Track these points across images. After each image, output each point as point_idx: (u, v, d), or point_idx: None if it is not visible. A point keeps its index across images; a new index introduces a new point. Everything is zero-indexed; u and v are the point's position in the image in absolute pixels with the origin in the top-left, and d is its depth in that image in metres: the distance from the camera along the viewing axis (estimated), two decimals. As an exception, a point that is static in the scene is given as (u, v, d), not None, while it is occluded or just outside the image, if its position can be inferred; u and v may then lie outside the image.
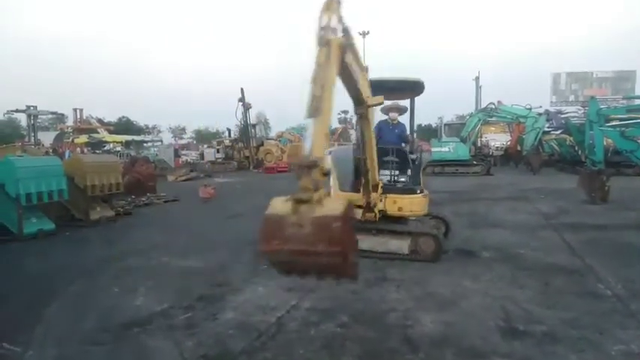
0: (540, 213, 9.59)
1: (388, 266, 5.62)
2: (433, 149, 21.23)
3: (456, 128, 23.64)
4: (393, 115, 6.94)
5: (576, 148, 20.33)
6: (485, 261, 5.96)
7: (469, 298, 4.53)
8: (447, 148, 20.74)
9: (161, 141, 58.97)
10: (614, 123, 12.73)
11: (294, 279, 5.10)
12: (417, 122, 7.31)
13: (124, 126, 67.99)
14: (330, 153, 6.46)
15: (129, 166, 16.08)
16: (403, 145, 6.88)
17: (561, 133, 23.87)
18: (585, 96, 43.84)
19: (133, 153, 35.12)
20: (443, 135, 23.13)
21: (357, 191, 5.84)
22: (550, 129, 24.16)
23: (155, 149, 39.65)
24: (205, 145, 42.77)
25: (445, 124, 24.91)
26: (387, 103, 6.70)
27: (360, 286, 4.93)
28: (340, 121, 60.40)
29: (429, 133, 59.10)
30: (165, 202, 12.82)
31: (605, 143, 12.38)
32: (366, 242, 6.03)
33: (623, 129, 11.30)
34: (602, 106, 11.37)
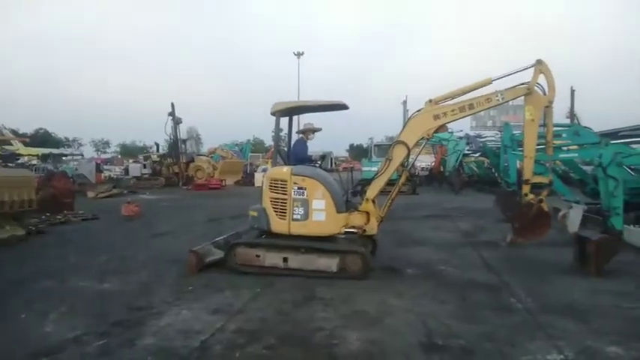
0: (461, 231, 10.13)
1: (317, 284, 5.65)
2: (364, 168, 21.90)
3: (385, 149, 24.29)
4: (312, 135, 7.35)
5: (493, 170, 21.73)
6: (409, 278, 6.18)
7: (394, 314, 4.66)
8: (376, 168, 21.31)
9: (82, 155, 55.64)
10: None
11: (221, 299, 5.04)
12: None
13: (42, 138, 63.76)
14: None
15: (45, 181, 14.93)
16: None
17: (480, 155, 25.37)
18: (502, 122, 47.03)
19: (50, 167, 32.76)
20: (373, 155, 23.84)
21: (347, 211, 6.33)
22: (470, 152, 25.61)
23: (75, 163, 37.23)
24: (131, 160, 40.88)
25: (375, 145, 25.77)
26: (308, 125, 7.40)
27: (288, 306, 4.92)
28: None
29: (360, 152, 60.92)
30: (84, 220, 12.00)
31: (518, 166, 13.35)
32: (295, 261, 6.06)
33: (533, 153, 12.20)
34: (515, 132, 12.22)
